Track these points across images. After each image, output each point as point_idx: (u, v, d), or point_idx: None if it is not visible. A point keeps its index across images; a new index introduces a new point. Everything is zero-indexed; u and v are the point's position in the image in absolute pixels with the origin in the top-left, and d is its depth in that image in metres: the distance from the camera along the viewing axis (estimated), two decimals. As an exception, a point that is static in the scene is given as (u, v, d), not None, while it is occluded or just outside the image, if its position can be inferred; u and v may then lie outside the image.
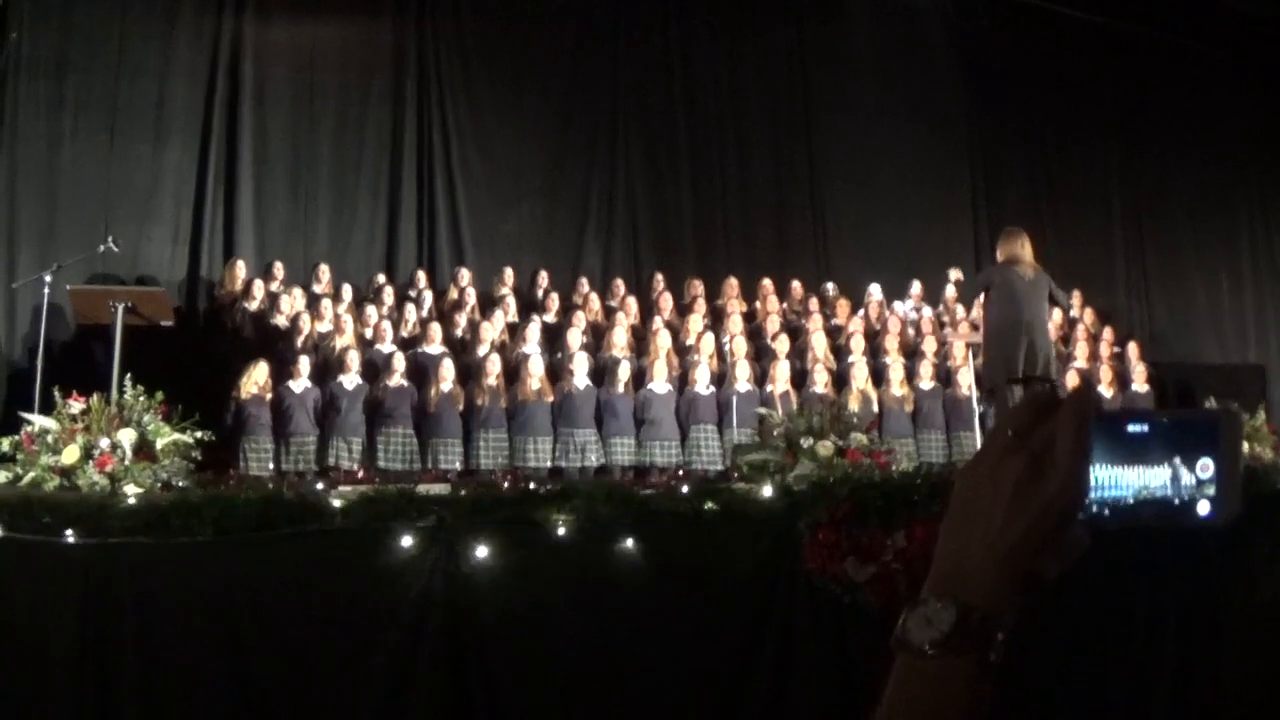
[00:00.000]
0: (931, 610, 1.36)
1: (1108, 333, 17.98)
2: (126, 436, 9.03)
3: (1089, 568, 1.53)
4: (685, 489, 9.08)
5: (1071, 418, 1.37)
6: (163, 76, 16.99)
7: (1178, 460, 1.39)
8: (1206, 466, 1.38)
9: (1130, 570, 7.60)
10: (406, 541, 7.58)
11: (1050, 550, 1.37)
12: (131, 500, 7.86)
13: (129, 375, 9.79)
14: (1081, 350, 16.88)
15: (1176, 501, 1.39)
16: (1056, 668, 7.74)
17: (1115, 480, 1.40)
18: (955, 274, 18.83)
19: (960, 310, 18.00)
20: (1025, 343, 12.01)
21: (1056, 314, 15.44)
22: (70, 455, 8.81)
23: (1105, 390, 16.04)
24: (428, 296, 16.77)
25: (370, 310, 15.90)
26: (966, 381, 15.17)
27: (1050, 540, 1.36)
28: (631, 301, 17.33)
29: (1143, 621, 8.04)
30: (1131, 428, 1.42)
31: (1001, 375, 12.15)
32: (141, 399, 9.42)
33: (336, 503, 7.83)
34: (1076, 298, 18.14)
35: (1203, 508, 1.38)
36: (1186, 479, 1.39)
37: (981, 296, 12.90)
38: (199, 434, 9.58)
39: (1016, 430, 1.39)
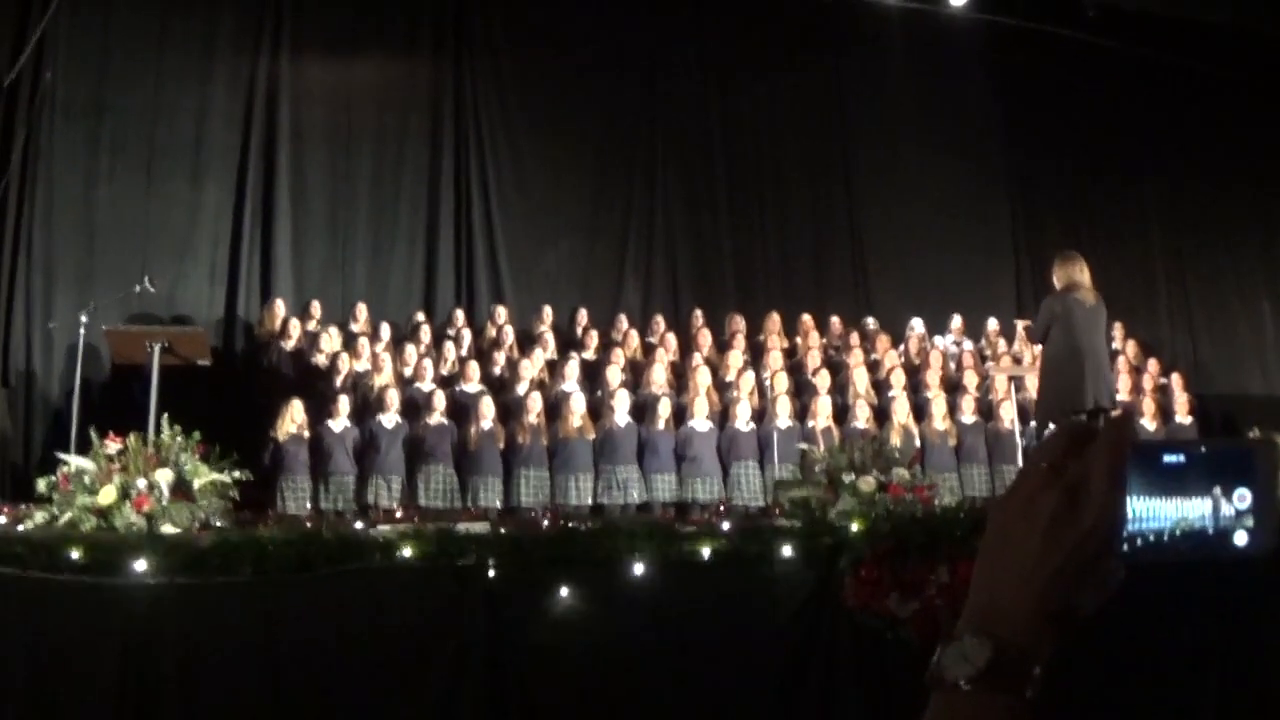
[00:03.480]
0: (967, 646, 1.35)
1: (1152, 365, 17.82)
2: (164, 476, 9.04)
3: (1126, 602, 1.51)
4: (726, 525, 9.07)
5: (1108, 448, 1.36)
6: (200, 117, 17.10)
7: (1217, 491, 1.38)
8: (1244, 497, 1.37)
9: (1168, 604, 7.52)
10: (447, 580, 7.57)
11: (1086, 584, 1.36)
12: (170, 541, 7.88)
13: (166, 415, 9.81)
14: (1124, 383, 16.71)
15: (1213, 533, 1.38)
16: (1093, 705, 7.66)
17: (1152, 512, 1.39)
18: (995, 323, 18.70)
19: (1002, 343, 17.94)
20: (1088, 372, 11.64)
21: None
22: (107, 495, 8.82)
23: (1148, 423, 15.91)
24: (466, 335, 16.74)
25: (409, 349, 15.89)
26: (1009, 415, 15.03)
27: (1086, 574, 1.35)
28: (671, 338, 17.28)
29: (1182, 657, 7.96)
30: (1168, 458, 1.41)
31: (1064, 407, 11.67)
32: (179, 439, 9.43)
33: (376, 541, 7.84)
34: (1118, 330, 18.03)
35: (1240, 539, 1.37)
36: (1226, 510, 1.38)
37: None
38: (237, 473, 9.58)
39: (1051, 462, 1.38)
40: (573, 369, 15.81)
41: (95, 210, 16.26)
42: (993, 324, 18.59)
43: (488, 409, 14.73)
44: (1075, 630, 1.37)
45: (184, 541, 7.90)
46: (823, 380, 16.03)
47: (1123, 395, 16.27)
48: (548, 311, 17.55)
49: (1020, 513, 1.38)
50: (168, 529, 8.56)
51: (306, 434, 14.24)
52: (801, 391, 16.13)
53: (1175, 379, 17.40)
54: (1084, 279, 11.96)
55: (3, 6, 15.89)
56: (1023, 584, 1.35)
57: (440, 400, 14.73)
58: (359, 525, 10.63)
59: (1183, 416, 16.54)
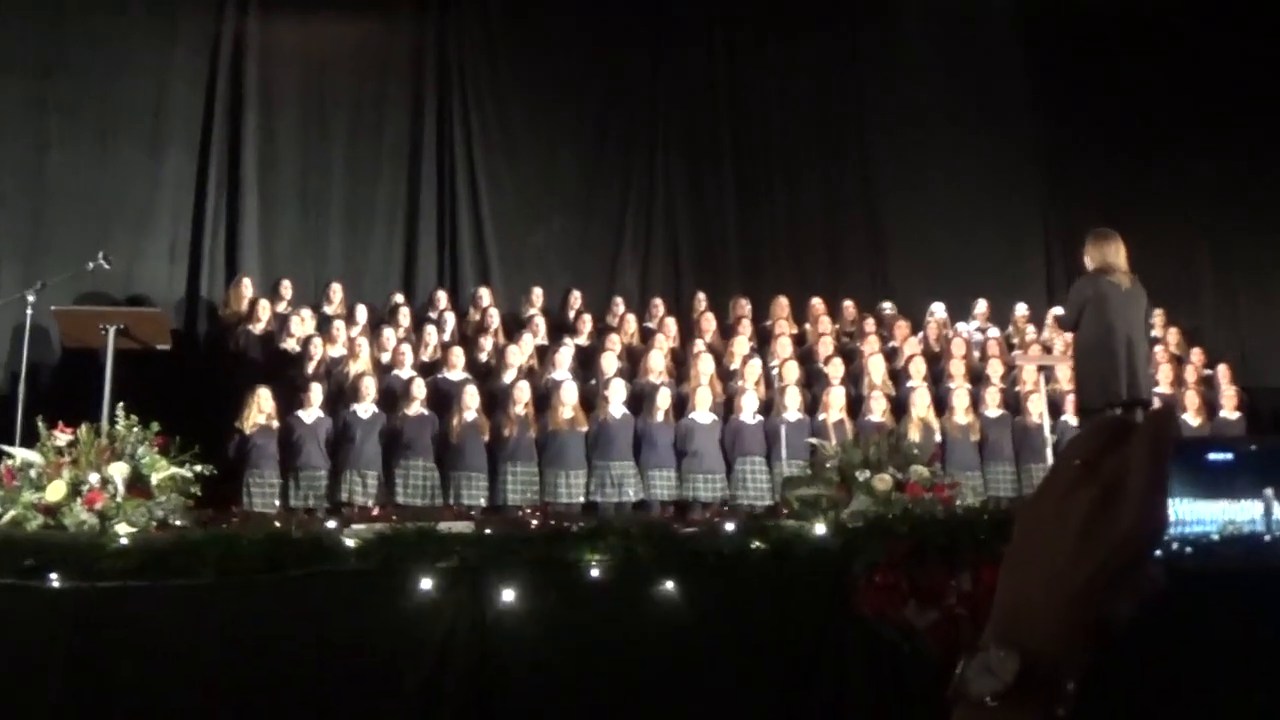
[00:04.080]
0: (992, 658, 1.34)
1: (1195, 355, 17.65)
2: (118, 471, 9.01)
3: (1167, 612, 1.50)
4: (730, 526, 9.06)
5: (1148, 444, 1.34)
6: (160, 78, 17.09)
7: (1269, 492, 1.37)
8: None
9: (1214, 615, 7.50)
10: (426, 585, 7.56)
11: (1123, 592, 1.34)
12: (124, 540, 7.85)
13: (121, 404, 9.76)
14: (1165, 374, 16.62)
15: (1267, 538, 1.36)
16: (1133, 723, 7.66)
17: (1197, 515, 1.38)
18: (1023, 308, 18.65)
19: (1031, 330, 17.90)
20: (1124, 361, 11.44)
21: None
22: (56, 491, 8.78)
23: (1192, 418, 15.84)
24: (449, 318, 16.78)
25: (387, 333, 15.91)
26: (1037, 409, 14.97)
27: (1123, 581, 1.34)
28: (671, 323, 17.31)
29: (1227, 672, 7.94)
30: (1214, 456, 1.39)
31: (1098, 400, 11.55)
32: (135, 430, 9.40)
33: (350, 542, 7.82)
34: (1159, 317, 17.88)
35: None
36: (1278, 513, 1.36)
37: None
38: (199, 468, 9.55)
39: (1085, 459, 1.36)
40: (564, 356, 15.82)
41: (43, 179, 16.22)
42: (1020, 309, 18.55)
43: (472, 399, 14.73)
44: (1111, 643, 1.36)
45: (140, 542, 7.87)
46: (835, 369, 16.01)
47: (1163, 388, 16.21)
48: (538, 293, 17.60)
49: (1051, 513, 1.37)
50: (122, 528, 8.53)
51: (275, 425, 14.22)
52: (812, 382, 16.14)
53: (1221, 370, 17.25)
54: (1120, 260, 11.75)
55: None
56: (1053, 591, 1.34)
57: (420, 389, 14.72)
58: (332, 524, 10.64)
59: (1229, 411, 16.43)
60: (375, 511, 13.59)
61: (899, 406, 15.71)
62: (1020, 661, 1.32)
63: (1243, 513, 1.37)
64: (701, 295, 18.21)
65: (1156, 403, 14.71)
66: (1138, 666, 7.04)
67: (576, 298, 17.82)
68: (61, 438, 9.20)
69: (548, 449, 14.83)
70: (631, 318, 17.49)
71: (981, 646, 1.36)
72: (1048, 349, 16.93)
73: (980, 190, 20.51)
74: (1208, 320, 20.63)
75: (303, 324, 15.73)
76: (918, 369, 16.22)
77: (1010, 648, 1.33)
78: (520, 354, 15.73)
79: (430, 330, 16.33)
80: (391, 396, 14.87)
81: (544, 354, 16.16)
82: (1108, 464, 1.35)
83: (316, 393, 14.46)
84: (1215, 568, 1.38)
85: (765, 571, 8.03)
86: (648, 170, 19.82)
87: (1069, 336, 12.72)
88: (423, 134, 18.67)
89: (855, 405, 15.63)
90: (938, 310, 18.49)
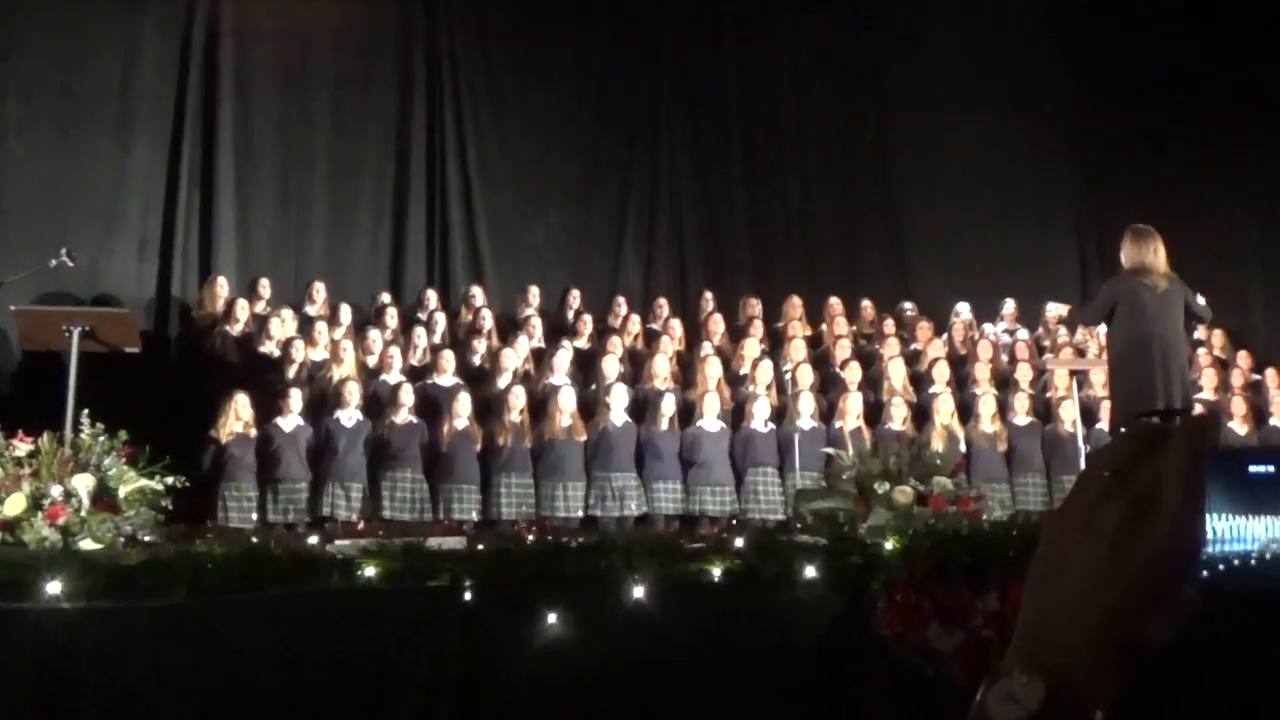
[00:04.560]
0: (1016, 684, 1.33)
1: (1242, 358, 17.59)
2: (83, 483, 8.99)
3: (1204, 635, 1.49)
4: (740, 542, 9.05)
5: (1184, 455, 1.34)
6: (127, 60, 17.04)
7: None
8: None
9: (1255, 638, 7.48)
10: (415, 604, 7.56)
11: (1156, 614, 1.34)
12: (89, 558, 7.84)
13: (86, 411, 9.74)
14: (1209, 380, 16.52)
15: None
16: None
17: (1237, 531, 1.37)
18: (1056, 309, 18.56)
19: (1063, 332, 17.85)
20: (1159, 367, 11.27)
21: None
22: (15, 505, 8.76)
23: (1238, 426, 15.74)
24: (440, 319, 16.78)
25: (373, 335, 15.89)
26: (1070, 416, 14.97)
27: (1156, 602, 1.33)
28: (676, 324, 17.35)
29: (1269, 701, 7.93)
30: (1256, 469, 1.39)
31: (1131, 407, 11.41)
32: (101, 439, 9.38)
33: (333, 559, 7.82)
34: (1204, 316, 17.86)
35: None
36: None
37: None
38: (170, 479, 9.54)
39: (1116, 469, 1.36)
40: (562, 359, 15.79)
41: (1, 170, 16.18)
42: (1052, 309, 18.45)
43: (463, 405, 14.72)
44: (1143, 669, 1.35)
45: (107, 559, 7.87)
46: (852, 374, 16.00)
47: (1207, 394, 16.10)
48: (534, 292, 17.58)
49: (1079, 528, 1.36)
50: (87, 545, 8.53)
51: (252, 434, 14.19)
52: (828, 387, 16.14)
53: (1271, 375, 17.09)
54: (1157, 261, 11.66)
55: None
56: (1081, 612, 1.33)
57: (408, 395, 14.68)
58: (313, 540, 10.63)
59: (1280, 419, 16.42)
60: (360, 526, 13.58)
61: (921, 414, 15.71)
62: (1045, 688, 1.31)
63: (1287, 530, 1.36)
64: (709, 294, 18.19)
65: (1198, 410, 14.64)
66: (1172, 695, 7.03)
67: (575, 297, 17.80)
68: (21, 448, 9.18)
69: (544, 459, 14.80)
70: (634, 319, 17.47)
71: (1004, 671, 1.35)
72: (1081, 352, 16.93)
73: (1009, 180, 20.47)
74: (1256, 321, 20.54)
75: (282, 325, 15.70)
76: (941, 373, 16.22)
77: (1035, 673, 1.33)
78: (515, 357, 15.71)
79: (419, 332, 16.30)
80: (377, 403, 14.84)
81: (541, 357, 16.15)
82: (1140, 475, 1.34)
83: (297, 399, 14.43)
84: (1257, 588, 1.37)
85: (777, 591, 8.03)
86: (651, 159, 19.83)
87: (1103, 337, 12.68)
88: (411, 121, 18.67)
89: (874, 412, 15.64)
90: (963, 310, 18.48)
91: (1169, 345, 11.49)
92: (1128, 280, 11.62)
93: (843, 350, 16.81)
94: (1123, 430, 11.90)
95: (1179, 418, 11.18)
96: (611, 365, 15.69)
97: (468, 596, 7.60)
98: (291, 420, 14.33)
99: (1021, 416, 15.84)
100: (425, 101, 18.83)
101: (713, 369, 15.79)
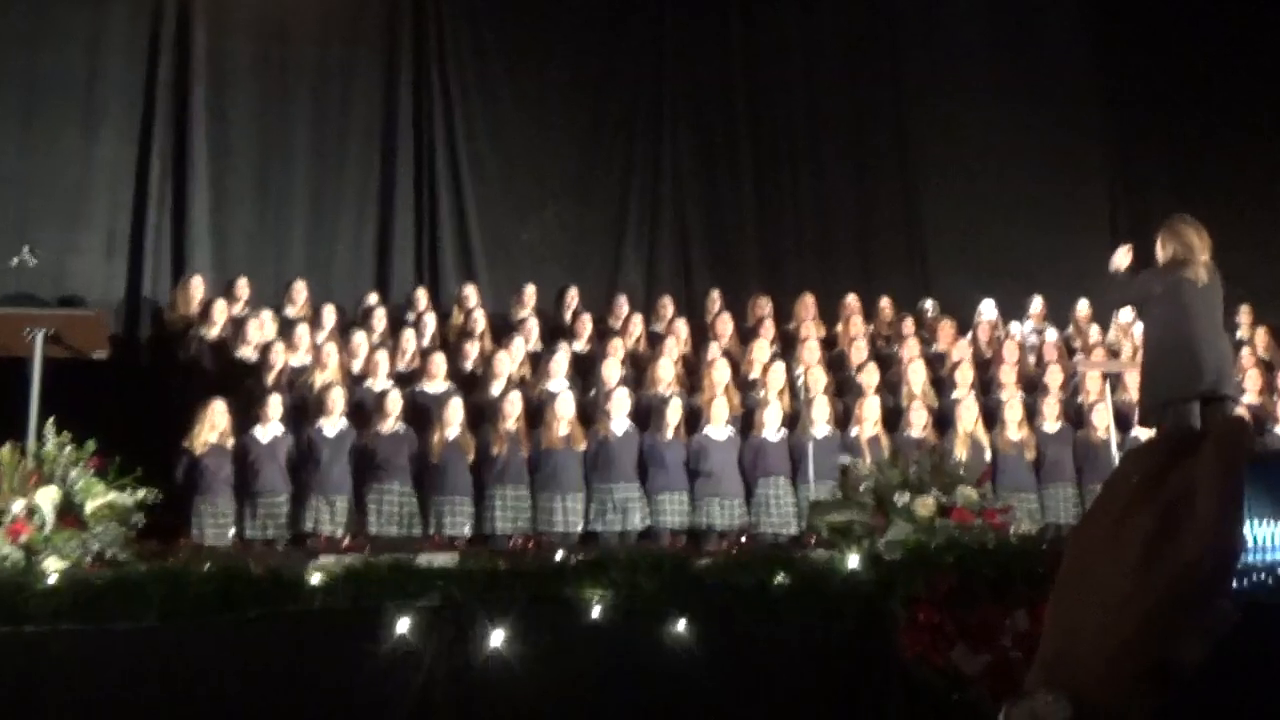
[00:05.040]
0: (1040, 705, 1.33)
1: (1286, 359, 17.59)
2: (47, 497, 8.98)
3: (1242, 652, 1.49)
4: (751, 558, 9.06)
5: (1219, 458, 1.33)
6: (93, 46, 17.05)
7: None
8: None
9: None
10: (403, 626, 7.56)
11: (1191, 630, 1.33)
12: (54, 578, 7.84)
13: (51, 420, 9.72)
14: (1252, 380, 16.43)
15: None
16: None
17: (1277, 540, 1.37)
18: (1085, 306, 18.48)
19: (1095, 332, 17.81)
20: (1205, 357, 11.14)
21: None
22: (-27, 522, 8.79)
23: (1282, 429, 15.79)
24: (429, 321, 16.75)
25: (358, 338, 15.87)
26: (1103, 421, 14.91)
27: (1190, 617, 1.33)
28: (682, 325, 17.29)
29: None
30: None
31: (1171, 396, 11.24)
32: (67, 450, 9.37)
33: (316, 578, 7.82)
34: (1245, 315, 17.82)
35: None
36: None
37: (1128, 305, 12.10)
38: (141, 493, 9.53)
39: (1145, 475, 1.35)
40: (560, 363, 15.79)
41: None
42: (1083, 307, 18.41)
43: (455, 413, 14.70)
44: (1177, 689, 1.35)
45: (73, 579, 7.87)
46: (869, 377, 15.97)
47: (1250, 396, 16.05)
48: (530, 292, 17.56)
49: (1106, 538, 1.35)
50: (52, 564, 8.52)
51: (229, 444, 14.16)
52: (843, 391, 16.14)
53: (1317, 377, 17.13)
54: (1199, 251, 11.61)
55: None
56: (1109, 628, 1.33)
57: (396, 402, 14.67)
58: (295, 558, 10.63)
59: (1326, 424, 16.36)
60: (344, 543, 13.56)
61: (943, 420, 15.67)
62: (1072, 709, 1.31)
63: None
64: (716, 293, 18.17)
65: (1241, 410, 14.56)
66: (1207, 716, 7.01)
67: (574, 296, 17.78)
68: (-19, 460, 9.19)
69: (541, 470, 14.79)
70: (637, 319, 17.42)
71: (1028, 691, 1.35)
72: (1114, 352, 16.90)
73: (1036, 169, 20.47)
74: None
75: (261, 328, 15.68)
76: (964, 377, 16.19)
77: (1060, 694, 1.32)
78: (510, 361, 15.69)
79: (408, 334, 16.28)
80: (363, 411, 14.84)
81: (537, 361, 16.15)
82: (1171, 481, 1.34)
83: (277, 406, 14.42)
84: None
85: (790, 610, 8.03)
86: (653, 148, 19.84)
87: (1137, 337, 12.58)
88: (397, 109, 18.67)
89: (893, 418, 15.61)
90: (987, 309, 18.42)
91: (1216, 341, 11.42)
92: (1167, 274, 11.45)
93: (859, 352, 16.79)
94: (1149, 421, 11.94)
95: (1224, 405, 11.14)
96: (612, 369, 15.66)
97: (460, 618, 7.60)
98: (271, 429, 14.32)
99: (1051, 422, 15.79)
100: (412, 88, 18.83)
101: (720, 373, 15.76)
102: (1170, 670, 1.33)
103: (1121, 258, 12.23)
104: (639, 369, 16.25)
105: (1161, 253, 11.64)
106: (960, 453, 14.11)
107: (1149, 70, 20.62)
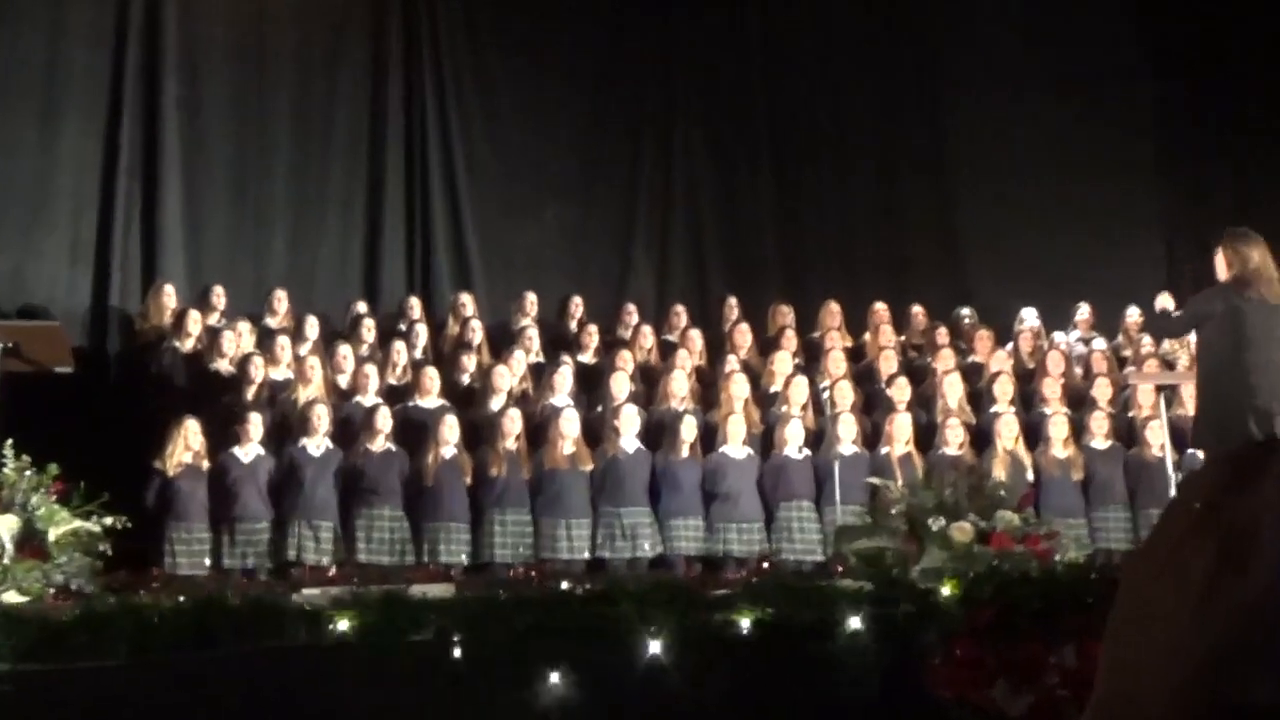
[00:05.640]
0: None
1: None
2: (6, 525, 9.00)
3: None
4: (772, 588, 9.05)
5: (1283, 485, 1.33)
6: (54, 32, 16.96)
7: None
8: None
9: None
10: (395, 663, 7.56)
11: (1259, 668, 1.33)
12: (14, 612, 7.84)
13: (10, 442, 9.72)
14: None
15: None
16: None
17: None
18: (1136, 314, 18.34)
19: (1147, 341, 17.74)
20: (1263, 391, 10.79)
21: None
22: (-73, 551, 8.79)
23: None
24: (422, 331, 16.74)
25: (344, 350, 15.88)
26: (1157, 439, 14.84)
27: (1257, 654, 1.32)
28: (696, 335, 17.30)
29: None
30: None
31: (1223, 435, 10.88)
32: (28, 473, 9.38)
33: (300, 611, 7.82)
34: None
35: None
36: None
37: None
38: (109, 520, 9.53)
39: (1206, 503, 1.35)
40: (564, 377, 15.76)
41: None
42: (1133, 315, 18.30)
43: (450, 431, 14.70)
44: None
45: (35, 614, 7.87)
46: (900, 391, 15.95)
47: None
48: (530, 300, 17.56)
49: (1165, 568, 1.35)
50: (11, 597, 8.53)
51: (205, 465, 14.15)
52: (872, 407, 16.13)
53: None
54: (1266, 268, 11.41)
55: None
56: (1170, 667, 1.32)
57: (386, 419, 14.67)
58: (277, 589, 10.62)
59: (1400, 452, 16.24)
60: (331, 573, 13.57)
61: (981, 437, 15.64)
62: (1133, 754, 1.31)
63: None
64: (733, 301, 18.17)
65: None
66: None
67: (578, 305, 17.81)
68: (-66, 485, 9.20)
69: (544, 493, 14.78)
70: (647, 329, 17.41)
71: (1082, 733, 1.35)
72: (1169, 364, 16.82)
73: (1081, 168, 20.39)
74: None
75: (239, 340, 15.68)
76: (1004, 390, 16.12)
77: (1117, 735, 1.32)
78: (510, 375, 15.68)
79: (398, 346, 16.26)
80: (350, 429, 14.82)
81: (539, 375, 16.14)
82: (1234, 508, 1.33)
83: (256, 425, 14.39)
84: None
85: (815, 646, 8.02)
86: (663, 146, 19.84)
87: (1193, 347, 12.49)
88: (386, 105, 18.66)
89: (926, 436, 15.59)
90: (1028, 317, 18.38)
91: (1275, 370, 11.15)
92: (1228, 292, 11.26)
93: (889, 364, 16.74)
94: (1203, 443, 11.82)
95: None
96: (621, 383, 15.65)
97: (456, 653, 7.60)
98: (250, 450, 14.30)
99: (1099, 440, 15.73)
100: (402, 83, 18.83)
101: (738, 387, 15.74)
102: (1240, 713, 1.32)
103: (1165, 301, 12.12)
104: (650, 383, 16.26)
105: (1223, 268, 11.52)
106: (1000, 473, 14.04)
107: (1201, 62, 20.53)
